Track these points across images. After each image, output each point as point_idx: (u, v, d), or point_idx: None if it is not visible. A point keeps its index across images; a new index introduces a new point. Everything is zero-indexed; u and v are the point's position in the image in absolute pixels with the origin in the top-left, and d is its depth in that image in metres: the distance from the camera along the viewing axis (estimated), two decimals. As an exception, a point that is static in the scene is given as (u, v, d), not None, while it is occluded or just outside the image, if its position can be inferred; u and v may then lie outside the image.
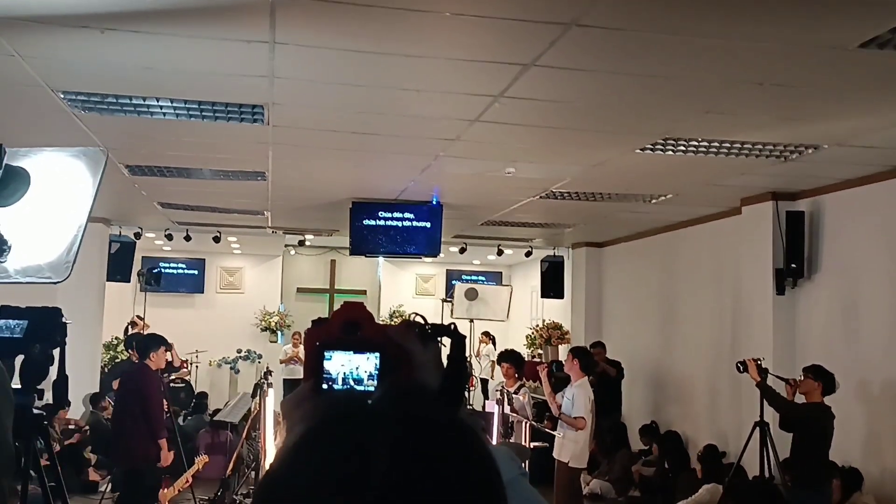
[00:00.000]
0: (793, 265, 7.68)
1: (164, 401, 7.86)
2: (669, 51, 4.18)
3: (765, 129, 5.72)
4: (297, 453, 0.79)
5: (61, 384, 2.01)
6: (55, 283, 3.35)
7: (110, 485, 9.10)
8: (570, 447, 7.27)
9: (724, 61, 4.32)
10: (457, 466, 0.77)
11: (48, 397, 2.44)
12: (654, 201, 8.68)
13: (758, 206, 8.13)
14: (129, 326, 12.29)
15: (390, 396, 0.85)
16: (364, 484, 0.73)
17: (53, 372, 2.33)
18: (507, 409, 7.98)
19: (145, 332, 11.32)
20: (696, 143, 6.11)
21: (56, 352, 2.30)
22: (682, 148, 6.23)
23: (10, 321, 2.06)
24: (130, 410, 7.05)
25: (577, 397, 7.26)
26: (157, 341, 7.34)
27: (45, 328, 2.02)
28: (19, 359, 2.10)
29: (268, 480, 0.80)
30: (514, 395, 8.01)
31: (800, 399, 6.48)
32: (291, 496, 0.77)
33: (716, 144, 6.13)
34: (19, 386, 2.02)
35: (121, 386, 7.82)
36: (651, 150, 6.28)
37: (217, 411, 10.91)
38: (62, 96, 5.19)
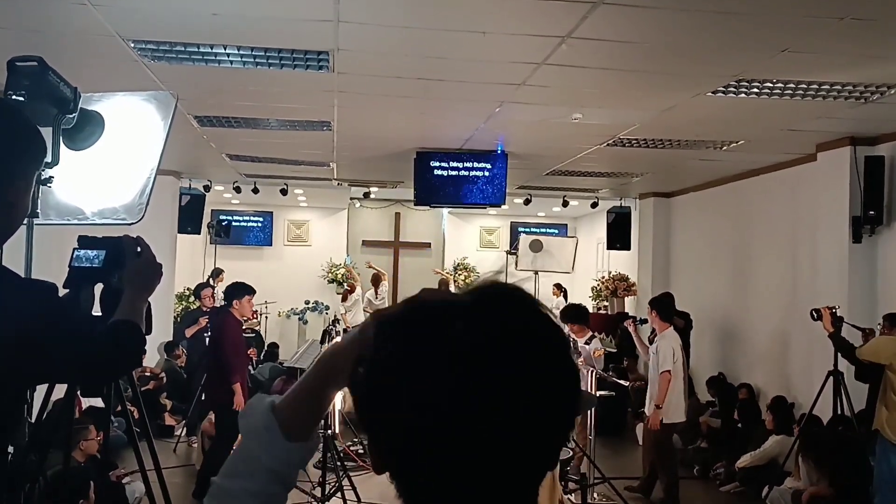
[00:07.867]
0: (871, 212, 7.43)
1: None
2: (745, -16, 4.02)
3: (844, 69, 5.49)
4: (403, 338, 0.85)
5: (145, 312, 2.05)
6: (129, 224, 3.42)
7: (185, 429, 9.43)
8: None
9: (802, -5, 4.14)
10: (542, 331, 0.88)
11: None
12: (725, 148, 8.46)
13: (835, 151, 7.85)
14: (212, 277, 12.50)
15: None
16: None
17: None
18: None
19: (217, 284, 11.61)
20: (771, 85, 5.90)
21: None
22: (756, 90, 6.03)
23: (89, 251, 2.10)
24: (213, 355, 7.30)
25: (661, 350, 7.18)
26: (243, 289, 7.30)
27: (124, 257, 2.05)
28: (98, 289, 2.15)
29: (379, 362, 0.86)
30: (580, 345, 7.96)
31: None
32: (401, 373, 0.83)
33: (791, 86, 5.91)
34: (100, 314, 2.08)
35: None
36: (723, 93, 6.09)
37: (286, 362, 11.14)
38: (132, 45, 5.26)
